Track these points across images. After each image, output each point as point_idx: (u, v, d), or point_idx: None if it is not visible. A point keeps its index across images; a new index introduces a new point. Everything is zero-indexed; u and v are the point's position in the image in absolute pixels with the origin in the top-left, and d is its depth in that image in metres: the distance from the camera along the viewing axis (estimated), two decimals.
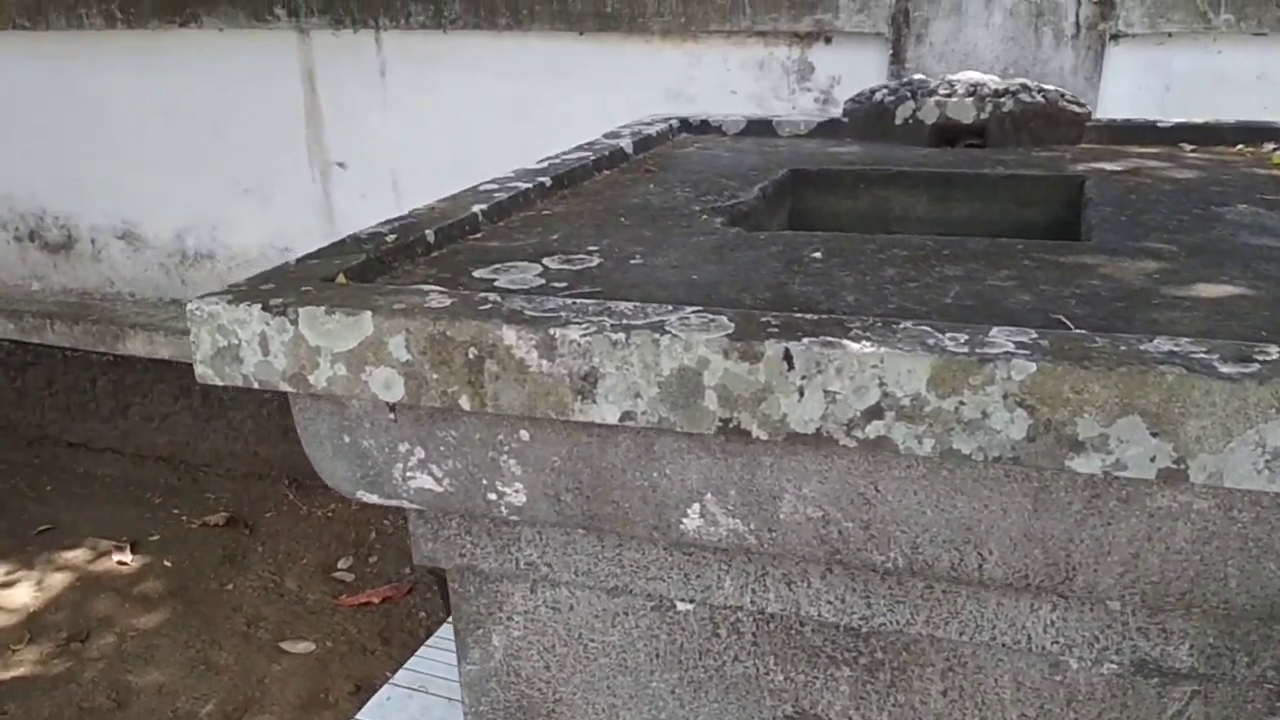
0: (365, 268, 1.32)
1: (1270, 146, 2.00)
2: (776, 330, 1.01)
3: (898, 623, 1.20)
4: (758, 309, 1.16)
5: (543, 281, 1.29)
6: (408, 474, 1.25)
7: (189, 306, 1.19)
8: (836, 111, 2.98)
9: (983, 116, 2.17)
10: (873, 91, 2.29)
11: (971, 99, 2.18)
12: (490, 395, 1.10)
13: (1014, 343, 0.96)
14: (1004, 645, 1.17)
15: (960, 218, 1.83)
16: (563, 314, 1.09)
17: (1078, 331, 1.02)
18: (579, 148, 2.05)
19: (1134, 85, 2.76)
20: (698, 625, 1.32)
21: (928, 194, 1.85)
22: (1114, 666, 1.15)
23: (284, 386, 1.18)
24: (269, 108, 3.70)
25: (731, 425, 1.02)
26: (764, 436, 1.01)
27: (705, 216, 1.60)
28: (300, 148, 3.72)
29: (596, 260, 1.38)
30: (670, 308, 1.09)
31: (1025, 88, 2.19)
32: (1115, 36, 2.71)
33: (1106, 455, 0.91)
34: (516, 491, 1.21)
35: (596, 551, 1.31)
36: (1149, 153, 2.00)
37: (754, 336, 1.00)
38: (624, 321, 1.05)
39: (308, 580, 3.63)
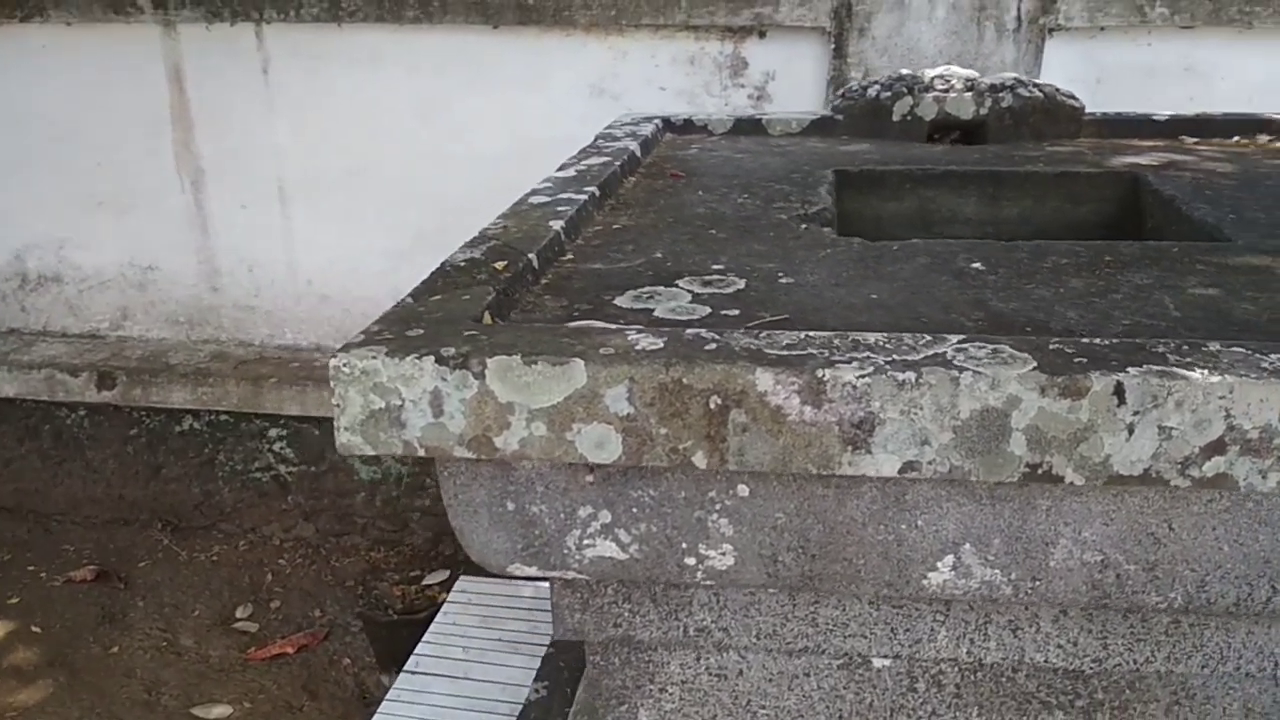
0: (500, 304, 1.13)
1: (1265, 138, 2.05)
2: (1086, 361, 0.90)
3: (1134, 661, 1.12)
4: (987, 331, 1.05)
5: (708, 309, 1.13)
6: (584, 542, 1.07)
7: (332, 363, 0.97)
8: (770, 108, 2.92)
9: (982, 112, 2.14)
10: (865, 87, 2.21)
11: (970, 94, 2.14)
12: (734, 450, 0.94)
13: None
14: (1246, 674, 1.11)
15: (1011, 217, 1.78)
16: (822, 352, 0.94)
17: None
18: (586, 151, 1.88)
19: (1067, 77, 2.81)
20: (892, 681, 1.20)
21: (977, 193, 1.79)
22: None
23: (460, 453, 0.98)
24: (128, 110, 3.30)
25: (1040, 471, 0.91)
26: (1079, 481, 0.90)
27: (803, 225, 1.47)
28: (166, 154, 3.33)
29: (740, 281, 1.23)
30: (929, 338, 0.96)
31: (1020, 82, 2.17)
32: (1053, 30, 2.75)
33: None
34: (723, 554, 1.05)
35: (786, 611, 1.16)
36: (1159, 145, 2.01)
37: (1072, 370, 0.89)
38: (906, 358, 0.92)
39: (205, 635, 3.26)
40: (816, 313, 1.12)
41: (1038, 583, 1.02)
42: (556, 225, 1.40)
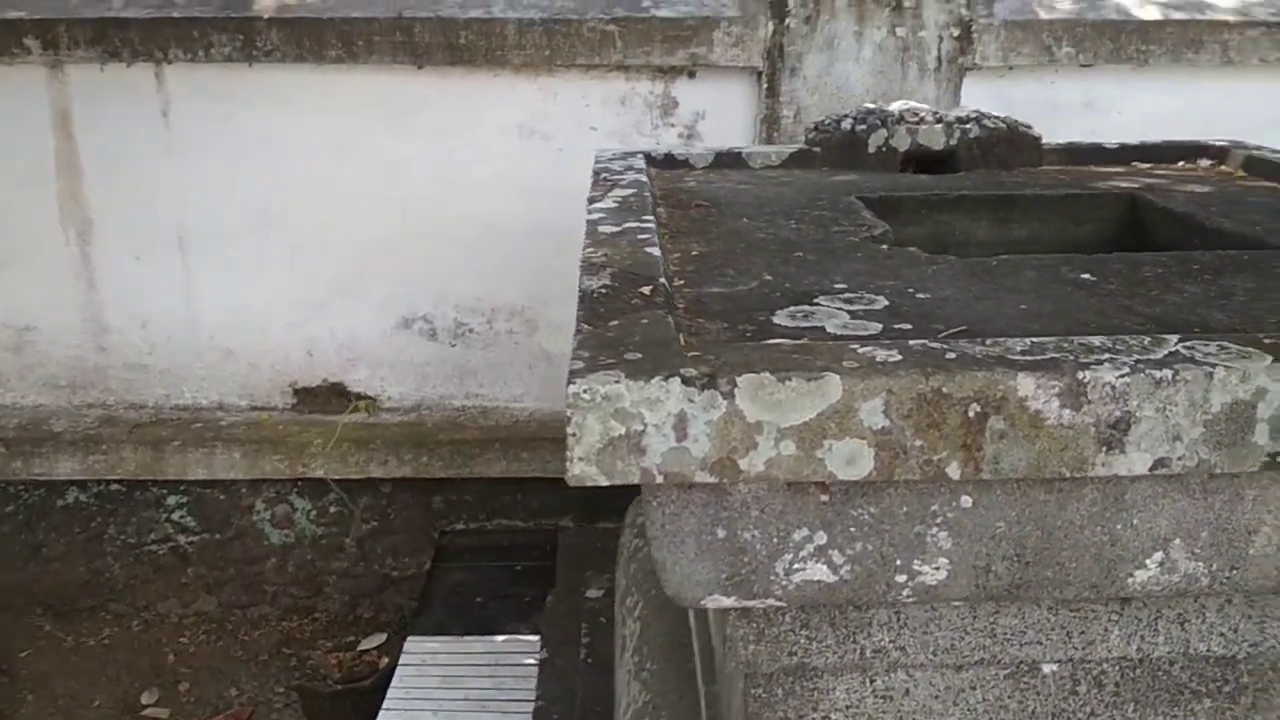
0: (678, 328, 1.09)
1: (1206, 162, 2.23)
2: None
3: None
4: (1153, 332, 1.09)
5: (877, 324, 1.13)
6: (794, 566, 1.04)
7: (570, 390, 0.91)
8: (700, 147, 2.96)
9: (951, 143, 2.23)
10: (838, 121, 2.28)
11: (940, 125, 2.23)
12: (989, 459, 0.94)
13: None
14: None
15: (1020, 238, 1.86)
16: (1068, 356, 0.95)
17: None
18: (603, 184, 1.85)
19: None
20: (1056, 686, 1.21)
21: (988, 217, 1.86)
22: None
23: (701, 478, 0.94)
24: (5, 159, 3.02)
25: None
26: None
27: (882, 246, 1.50)
28: (49, 204, 3.07)
29: (878, 297, 1.23)
30: (1147, 339, 0.99)
31: (983, 114, 2.28)
32: (969, 69, 2.91)
33: None
34: (937, 569, 1.04)
35: (965, 624, 1.16)
36: (1120, 171, 2.15)
37: None
38: (1149, 357, 0.94)
39: None
40: (984, 323, 1.14)
41: (1235, 571, 1.06)
42: (654, 251, 1.37)
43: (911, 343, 0.99)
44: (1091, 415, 0.93)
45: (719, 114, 3.01)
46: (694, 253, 1.48)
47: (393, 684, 2.63)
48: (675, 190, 1.96)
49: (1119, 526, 1.03)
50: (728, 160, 2.24)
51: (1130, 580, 1.06)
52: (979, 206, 1.86)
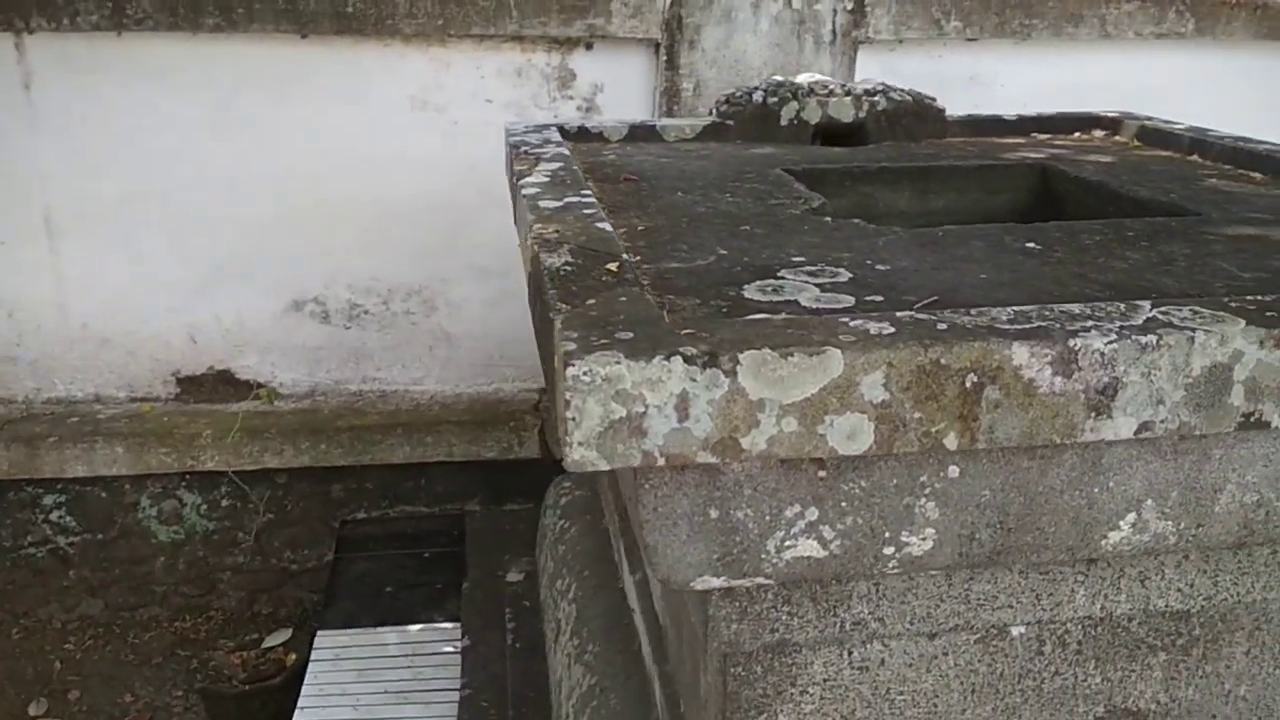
0: (658, 305, 1.06)
1: (1100, 133, 2.31)
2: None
3: (1238, 594, 1.23)
4: (1113, 299, 1.11)
5: (849, 297, 1.12)
6: (786, 543, 1.03)
7: (569, 372, 0.87)
8: (613, 120, 2.93)
9: (861, 115, 2.26)
10: (749, 94, 2.27)
11: (849, 98, 2.25)
12: (984, 429, 0.95)
13: None
14: None
15: (939, 209, 1.89)
16: (1054, 324, 0.96)
17: None
18: (526, 158, 1.80)
19: None
20: (1023, 647, 1.24)
21: (909, 188, 1.89)
22: None
23: (703, 458, 0.92)
24: None
25: (1253, 419, 0.98)
26: None
27: (825, 218, 1.50)
28: None
29: (840, 270, 1.23)
30: (1122, 306, 1.02)
31: (888, 87, 2.31)
32: (862, 42, 2.95)
33: None
34: (923, 539, 1.05)
35: (941, 592, 1.17)
36: (1022, 143, 2.21)
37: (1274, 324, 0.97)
38: (1131, 323, 0.96)
39: None
40: (951, 293, 1.15)
41: (1201, 528, 1.10)
42: (605, 227, 1.34)
43: (900, 315, 0.99)
44: (1081, 382, 0.94)
45: (617, 86, 2.97)
46: (640, 228, 1.45)
47: (306, 680, 2.54)
48: (598, 164, 1.93)
49: (1096, 490, 1.06)
50: (642, 133, 2.21)
51: (1104, 542, 1.09)
52: (900, 178, 1.89)
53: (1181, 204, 1.57)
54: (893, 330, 0.95)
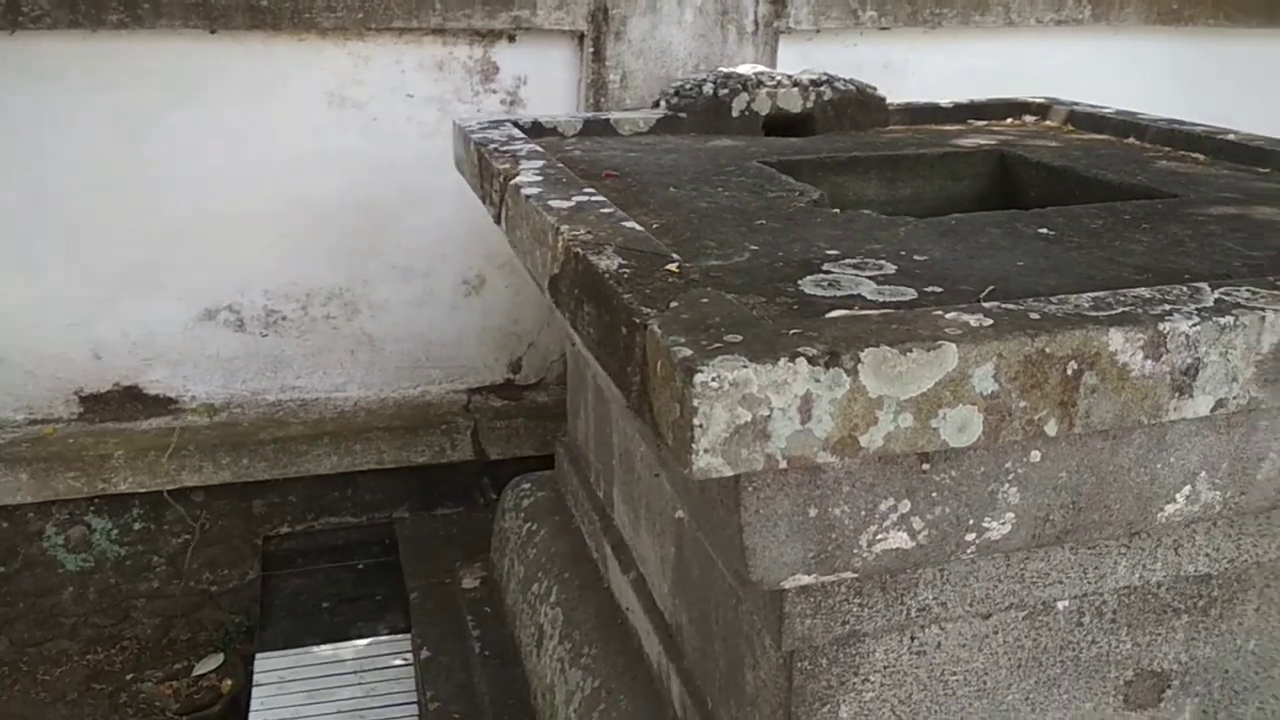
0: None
1: (1030, 118, 2.40)
2: None
3: (1257, 556, 1.30)
4: (1153, 282, 1.16)
5: (910, 289, 1.13)
6: (878, 537, 1.04)
7: (697, 379, 0.85)
8: (524, 112, 2.90)
9: (808, 105, 2.29)
10: (698, 85, 2.27)
11: (797, 89, 2.28)
12: (1082, 413, 0.97)
13: None
14: None
15: (906, 196, 1.94)
16: (1136, 310, 0.99)
17: None
18: (501, 156, 1.75)
19: None
20: (1065, 620, 1.28)
21: (877, 177, 1.92)
22: None
23: (822, 458, 0.91)
24: None
25: None
26: None
27: (834, 210, 1.51)
28: None
29: (884, 262, 1.24)
30: (1185, 289, 1.06)
31: (832, 77, 2.35)
32: (783, 32, 2.98)
33: None
34: (1003, 523, 1.07)
35: (1000, 573, 1.20)
36: (963, 129, 2.28)
37: None
38: (1209, 304, 1.00)
39: None
40: (1003, 281, 1.17)
41: (1244, 496, 1.16)
42: (634, 226, 1.32)
43: (989, 306, 1.00)
44: (1168, 364, 0.98)
45: (542, 79, 2.92)
46: (654, 225, 1.43)
47: (253, 707, 2.43)
48: (569, 159, 1.89)
49: (1159, 466, 1.10)
50: (596, 127, 2.18)
51: (1160, 514, 1.13)
52: (869, 167, 1.92)
53: (1153, 186, 1.64)
54: (991, 322, 0.96)
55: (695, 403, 0.86)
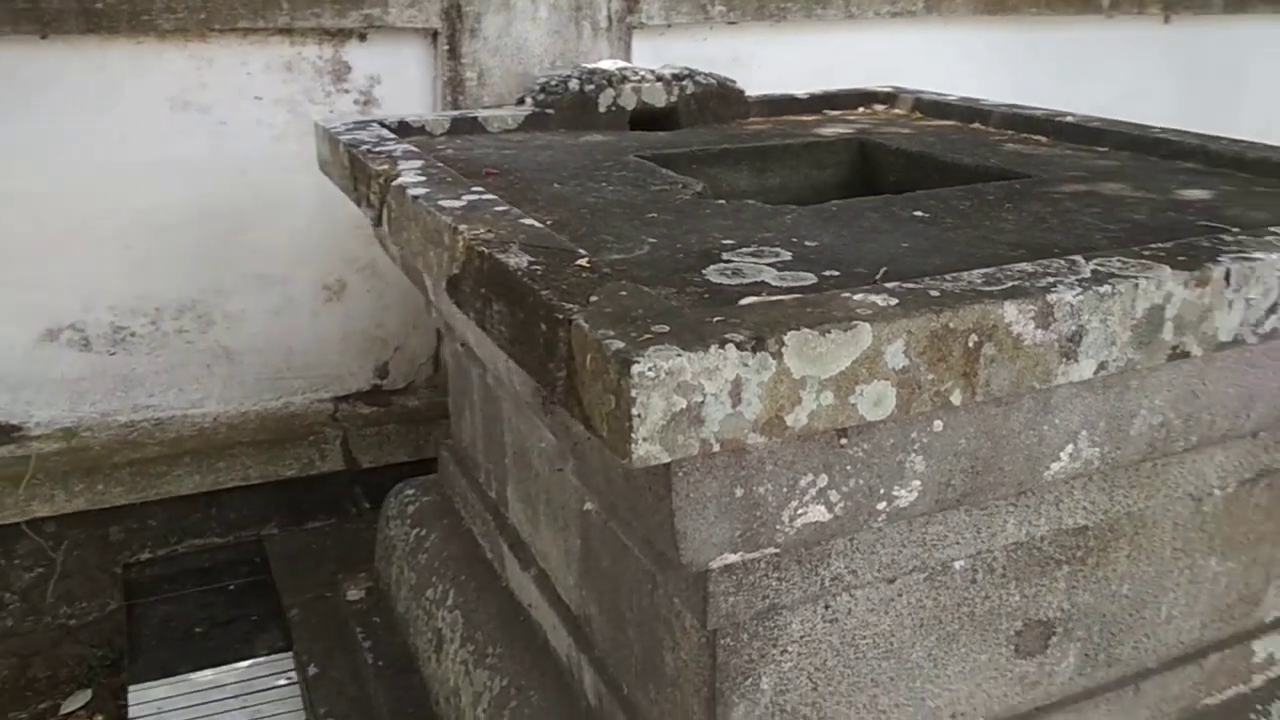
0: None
1: (880, 106, 2.51)
2: (1191, 258, 1.14)
3: (1127, 506, 1.41)
4: (1028, 258, 1.24)
5: (809, 274, 1.18)
6: (799, 512, 1.08)
7: (634, 370, 0.88)
8: (379, 114, 2.85)
9: (672, 99, 2.33)
10: (564, 82, 2.29)
11: (660, 84, 2.32)
12: (983, 382, 1.04)
13: None
14: (1188, 495, 1.46)
15: (775, 185, 2.00)
16: (1024, 283, 1.07)
17: None
18: (379, 157, 1.73)
19: None
20: (961, 579, 1.36)
21: (748, 168, 1.98)
22: (1242, 483, 1.51)
23: (753, 440, 0.95)
24: None
25: (1178, 350, 1.13)
26: (1198, 353, 1.15)
27: (719, 201, 1.55)
28: None
29: (779, 249, 1.29)
30: (1062, 262, 1.14)
31: (692, 71, 2.40)
32: (635, 28, 3.02)
33: None
34: (911, 491, 1.14)
35: (904, 538, 1.26)
36: (822, 119, 2.37)
37: (1196, 265, 1.12)
38: (1086, 275, 1.08)
39: None
40: (894, 263, 1.23)
41: (1120, 450, 1.25)
42: (533, 223, 1.32)
43: (891, 286, 1.06)
44: (1056, 332, 1.05)
45: (396, 78, 2.88)
46: (548, 222, 1.44)
47: None
48: (445, 158, 1.88)
49: (1045, 427, 1.18)
50: (465, 125, 2.17)
51: (1046, 473, 1.22)
52: (739, 159, 1.97)
53: (1007, 168, 1.75)
54: (897, 302, 1.01)
55: (633, 393, 0.88)
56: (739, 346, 0.91)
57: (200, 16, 2.58)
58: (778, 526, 1.08)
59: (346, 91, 2.85)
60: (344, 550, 2.86)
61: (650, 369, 0.88)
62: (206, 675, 2.52)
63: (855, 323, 0.96)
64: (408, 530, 2.23)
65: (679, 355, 0.89)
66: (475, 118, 2.18)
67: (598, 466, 1.21)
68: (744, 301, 1.06)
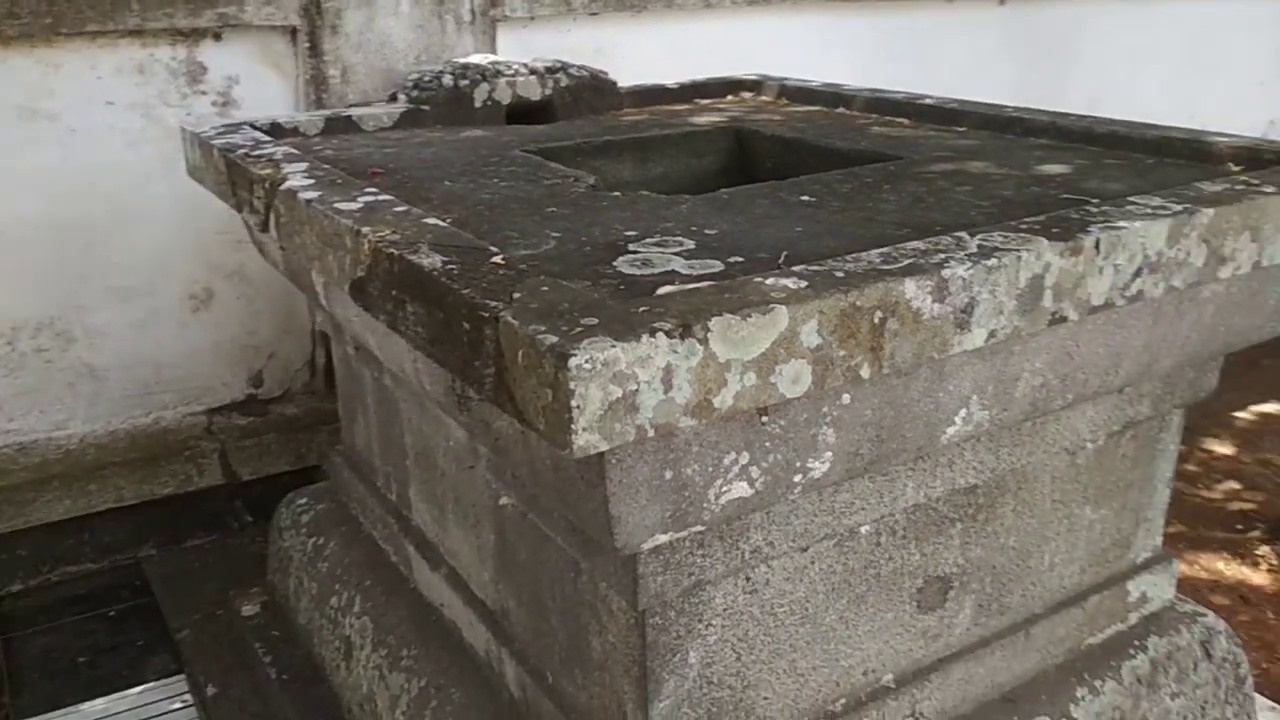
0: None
1: (747, 94, 2.58)
2: (1064, 229, 1.23)
3: (1011, 463, 1.51)
4: (915, 236, 1.31)
5: (717, 262, 1.22)
6: (724, 489, 1.13)
7: (572, 362, 0.90)
8: (239, 115, 2.79)
9: (547, 92, 2.35)
10: (437, 77, 2.28)
11: (535, 77, 2.34)
12: (888, 355, 1.10)
13: (1164, 202, 1.34)
14: (1064, 450, 1.57)
15: (658, 175, 2.04)
16: (919, 260, 1.14)
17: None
18: (264, 162, 1.70)
19: None
20: (867, 543, 1.43)
21: (630, 159, 2.02)
22: (1110, 435, 1.63)
23: (685, 423, 0.99)
24: None
25: (1056, 315, 1.22)
26: (1075, 318, 1.24)
27: (615, 193, 1.59)
28: None
29: (682, 238, 1.33)
30: (950, 239, 1.22)
31: (565, 64, 2.42)
32: (499, 20, 3.02)
33: (1237, 263, 1.37)
34: (824, 462, 1.20)
35: (815, 507, 1.33)
36: (694, 108, 2.42)
37: (1069, 235, 1.21)
38: (968, 251, 1.16)
39: None
40: (791, 247, 1.29)
41: (1005, 411, 1.34)
42: (436, 222, 1.33)
43: (798, 269, 1.11)
44: (951, 305, 1.13)
45: (255, 78, 2.80)
46: (448, 221, 1.45)
47: None
48: (325, 160, 1.85)
49: (941, 394, 1.25)
50: (340, 125, 2.14)
51: (942, 437, 1.30)
52: (622, 150, 2.01)
53: (879, 151, 1.83)
54: (807, 284, 1.07)
55: (571, 385, 0.90)
56: (668, 334, 0.95)
57: (46, 21, 2.47)
58: (704, 505, 1.12)
59: (203, 93, 2.77)
60: (229, 566, 2.79)
61: (587, 361, 0.91)
62: (97, 705, 2.43)
63: (772, 306, 1.01)
64: (304, 540, 2.19)
65: (613, 346, 0.92)
66: (349, 116, 2.15)
67: (522, 460, 1.23)
68: (661, 291, 1.10)
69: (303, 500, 2.29)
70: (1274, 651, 2.74)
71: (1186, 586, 1.86)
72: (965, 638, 1.60)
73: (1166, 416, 1.71)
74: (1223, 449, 3.81)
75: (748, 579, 1.33)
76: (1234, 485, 3.57)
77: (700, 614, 1.31)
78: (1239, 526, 3.31)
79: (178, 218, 2.78)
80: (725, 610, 1.33)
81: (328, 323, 2.05)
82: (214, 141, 1.87)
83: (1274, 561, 3.08)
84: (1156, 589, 1.81)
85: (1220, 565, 3.10)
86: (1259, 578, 3.03)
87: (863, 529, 1.42)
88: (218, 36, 2.73)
